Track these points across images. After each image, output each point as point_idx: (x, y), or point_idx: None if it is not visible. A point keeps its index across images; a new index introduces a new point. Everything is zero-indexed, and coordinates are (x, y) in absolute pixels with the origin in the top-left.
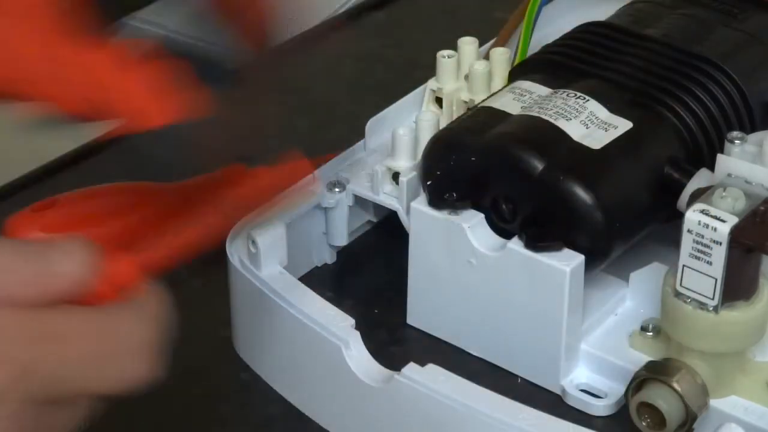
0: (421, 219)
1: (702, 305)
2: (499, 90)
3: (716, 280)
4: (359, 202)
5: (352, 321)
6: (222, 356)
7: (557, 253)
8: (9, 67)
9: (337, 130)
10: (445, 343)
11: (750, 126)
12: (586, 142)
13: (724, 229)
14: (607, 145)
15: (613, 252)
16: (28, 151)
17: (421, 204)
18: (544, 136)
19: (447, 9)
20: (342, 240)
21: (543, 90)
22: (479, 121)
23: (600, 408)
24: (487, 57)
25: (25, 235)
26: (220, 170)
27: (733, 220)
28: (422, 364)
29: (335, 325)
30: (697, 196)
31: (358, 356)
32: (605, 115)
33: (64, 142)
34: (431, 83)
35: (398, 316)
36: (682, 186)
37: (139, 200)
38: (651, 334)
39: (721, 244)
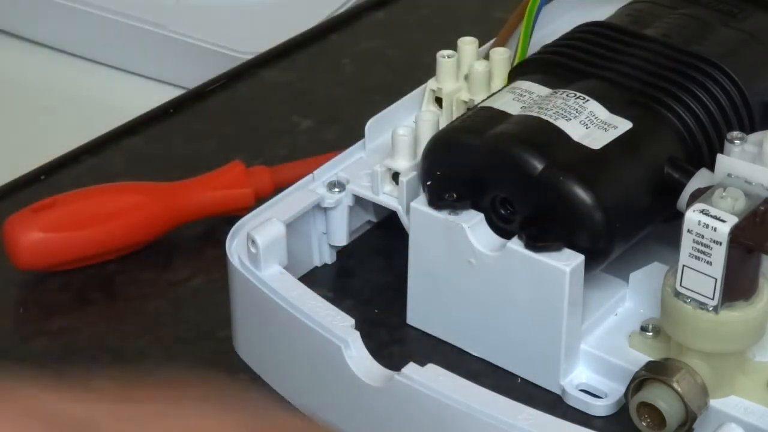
0: (421, 219)
1: (702, 305)
2: (499, 90)
3: (716, 280)
4: (359, 202)
5: (352, 321)
6: (222, 356)
7: (557, 253)
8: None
9: (337, 130)
10: (445, 343)
11: (750, 126)
12: (585, 142)
13: (724, 229)
14: (606, 145)
15: (613, 252)
16: (28, 151)
17: (420, 204)
18: (544, 137)
19: (447, 9)
20: (342, 240)
21: (543, 90)
22: (479, 121)
23: (600, 408)
24: (487, 57)
25: (25, 234)
26: (219, 170)
27: (733, 220)
28: (422, 364)
29: (335, 326)
30: (697, 196)
31: (358, 356)
32: (605, 116)
33: (64, 141)
34: (431, 83)
35: (398, 316)
36: (682, 186)
37: (139, 200)
38: (651, 334)
39: (721, 244)
